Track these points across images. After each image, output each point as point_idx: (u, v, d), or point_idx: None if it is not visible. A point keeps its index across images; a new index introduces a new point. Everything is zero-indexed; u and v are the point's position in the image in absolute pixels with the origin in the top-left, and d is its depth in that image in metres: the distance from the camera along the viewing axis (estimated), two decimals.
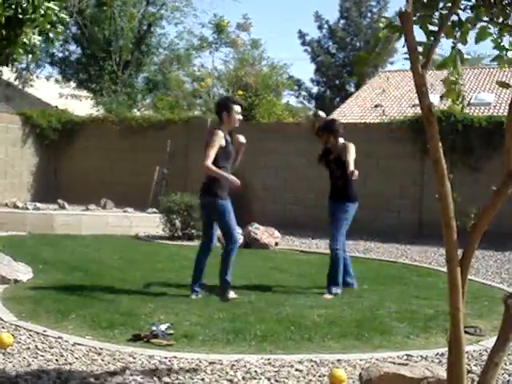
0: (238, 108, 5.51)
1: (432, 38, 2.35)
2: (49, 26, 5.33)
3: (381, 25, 2.38)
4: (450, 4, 2.30)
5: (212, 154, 5.27)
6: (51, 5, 5.15)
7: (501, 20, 2.33)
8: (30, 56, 5.83)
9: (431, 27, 2.37)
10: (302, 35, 32.21)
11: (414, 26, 2.27)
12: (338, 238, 5.83)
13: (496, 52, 2.47)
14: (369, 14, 30.94)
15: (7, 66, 5.68)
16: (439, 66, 2.50)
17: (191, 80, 16.81)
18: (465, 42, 2.39)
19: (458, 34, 2.38)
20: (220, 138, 5.34)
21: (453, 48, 2.39)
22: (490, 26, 2.39)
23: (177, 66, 19.86)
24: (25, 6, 5.01)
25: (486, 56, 21.06)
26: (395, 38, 2.40)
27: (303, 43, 32.26)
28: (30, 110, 13.76)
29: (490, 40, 2.43)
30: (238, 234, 6.07)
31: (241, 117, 5.57)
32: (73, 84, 20.07)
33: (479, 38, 2.38)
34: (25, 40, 5.22)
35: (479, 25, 2.37)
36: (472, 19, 2.34)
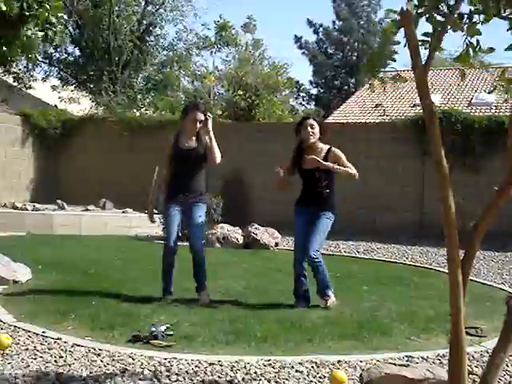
0: (194, 114, 5.32)
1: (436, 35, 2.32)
2: (48, 25, 5.32)
3: (388, 20, 2.36)
4: None
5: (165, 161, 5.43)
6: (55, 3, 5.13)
7: (509, 12, 2.29)
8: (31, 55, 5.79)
9: (439, 17, 2.34)
10: (298, 39, 32.30)
11: (422, 19, 2.25)
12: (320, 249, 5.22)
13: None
14: (364, 14, 31.06)
15: (4, 65, 5.67)
16: (456, 60, 2.47)
17: (191, 80, 16.77)
18: (475, 34, 2.34)
19: (465, 26, 2.35)
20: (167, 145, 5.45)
21: (464, 41, 2.36)
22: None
23: (177, 66, 19.83)
24: (30, 1, 4.99)
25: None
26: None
27: (300, 47, 32.33)
28: (29, 109, 13.72)
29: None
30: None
31: (198, 117, 5.29)
32: (71, 87, 20.02)
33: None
34: (27, 33, 5.18)
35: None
36: (479, 11, 2.31)
